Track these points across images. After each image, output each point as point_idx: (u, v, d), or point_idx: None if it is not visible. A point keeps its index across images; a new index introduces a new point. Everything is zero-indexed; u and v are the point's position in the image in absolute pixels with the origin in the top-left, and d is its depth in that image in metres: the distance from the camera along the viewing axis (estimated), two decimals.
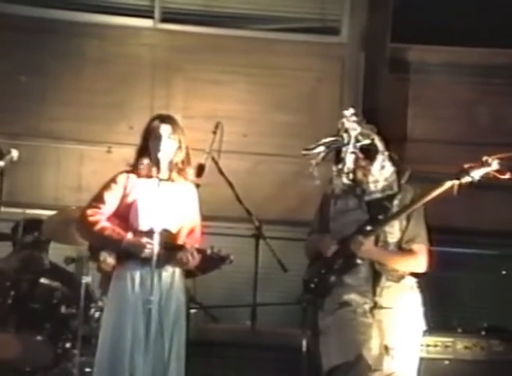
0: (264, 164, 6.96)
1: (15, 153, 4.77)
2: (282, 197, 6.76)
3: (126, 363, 4.21)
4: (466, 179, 4.18)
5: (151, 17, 7.19)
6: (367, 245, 4.29)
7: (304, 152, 4.40)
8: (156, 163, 4.39)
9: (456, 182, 4.18)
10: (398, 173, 4.44)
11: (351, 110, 4.40)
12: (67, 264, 5.64)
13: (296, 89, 7.07)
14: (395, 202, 4.36)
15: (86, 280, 5.24)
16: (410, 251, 4.34)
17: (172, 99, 7.02)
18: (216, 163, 5.22)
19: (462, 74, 7.02)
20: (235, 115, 6.79)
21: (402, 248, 4.35)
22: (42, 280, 5.49)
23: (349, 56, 7.18)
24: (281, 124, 6.99)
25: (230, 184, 5.19)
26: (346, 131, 4.37)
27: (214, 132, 5.26)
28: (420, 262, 4.35)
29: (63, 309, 5.37)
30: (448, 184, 4.21)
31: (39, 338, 5.32)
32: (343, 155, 4.35)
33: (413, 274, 4.40)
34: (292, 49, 7.13)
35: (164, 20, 7.20)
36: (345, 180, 4.38)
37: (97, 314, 5.22)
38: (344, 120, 4.39)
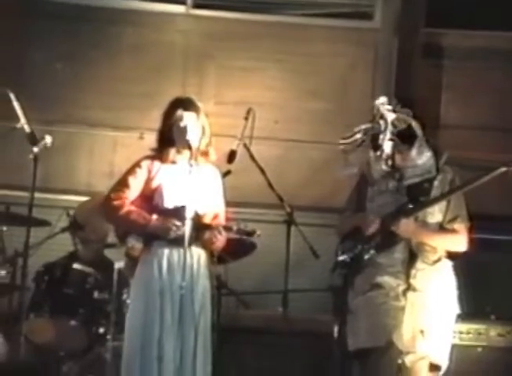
0: (295, 151, 6.94)
1: (48, 140, 4.79)
2: (313, 183, 6.74)
3: (155, 349, 4.23)
4: None
5: (183, 3, 7.20)
6: (412, 226, 4.29)
7: (342, 141, 4.41)
8: (184, 150, 4.41)
9: (505, 168, 4.16)
10: (436, 156, 4.44)
11: (383, 99, 4.39)
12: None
13: (328, 75, 7.04)
14: (436, 183, 4.37)
15: (119, 265, 5.27)
16: (453, 231, 4.37)
17: (204, 86, 7.02)
18: (248, 149, 5.21)
19: (496, 60, 6.93)
20: (266, 101, 6.78)
21: (444, 228, 4.38)
22: (75, 266, 5.54)
23: (382, 42, 7.12)
24: (313, 110, 6.97)
25: (262, 170, 5.19)
26: (382, 117, 4.37)
27: (246, 119, 5.25)
28: (462, 241, 4.39)
29: (96, 295, 5.41)
30: (502, 169, 4.19)
31: (73, 323, 5.35)
32: (380, 142, 4.36)
33: (449, 257, 4.41)
34: (324, 35, 7.09)
35: (197, 6, 7.19)
36: (384, 166, 4.38)
37: (129, 299, 5.25)
38: (379, 106, 4.38)
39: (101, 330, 5.37)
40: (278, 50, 7.04)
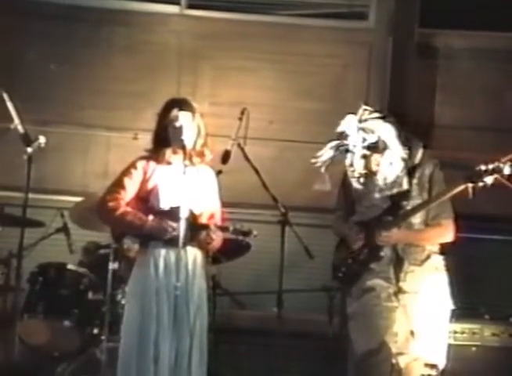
0: (289, 151, 6.94)
1: (42, 140, 4.78)
2: (307, 183, 6.69)
3: (151, 350, 4.23)
4: (479, 183, 4.16)
5: (177, 3, 7.19)
6: (394, 236, 4.31)
7: (313, 160, 4.44)
8: (179, 150, 4.40)
9: (471, 185, 4.16)
10: (411, 151, 4.43)
11: (353, 119, 4.39)
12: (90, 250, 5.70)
13: (322, 76, 7.04)
14: (415, 181, 4.38)
15: (113, 266, 5.27)
16: (438, 225, 4.40)
17: (199, 86, 7.02)
18: (242, 149, 5.21)
19: (490, 60, 6.94)
20: (261, 102, 6.77)
21: (429, 225, 4.41)
22: (69, 267, 5.53)
23: (376, 42, 7.12)
24: (307, 110, 6.97)
25: (256, 170, 5.18)
26: (347, 136, 4.38)
27: (240, 119, 5.25)
28: (448, 233, 4.42)
29: (91, 295, 5.41)
30: (462, 186, 4.20)
31: (67, 323, 5.35)
32: (350, 160, 4.37)
33: (441, 252, 4.42)
34: (319, 35, 7.08)
35: (191, 6, 7.19)
36: (357, 185, 4.40)
37: (124, 300, 5.25)
38: (345, 127, 4.40)
39: (95, 330, 5.37)
40: (272, 50, 7.03)
